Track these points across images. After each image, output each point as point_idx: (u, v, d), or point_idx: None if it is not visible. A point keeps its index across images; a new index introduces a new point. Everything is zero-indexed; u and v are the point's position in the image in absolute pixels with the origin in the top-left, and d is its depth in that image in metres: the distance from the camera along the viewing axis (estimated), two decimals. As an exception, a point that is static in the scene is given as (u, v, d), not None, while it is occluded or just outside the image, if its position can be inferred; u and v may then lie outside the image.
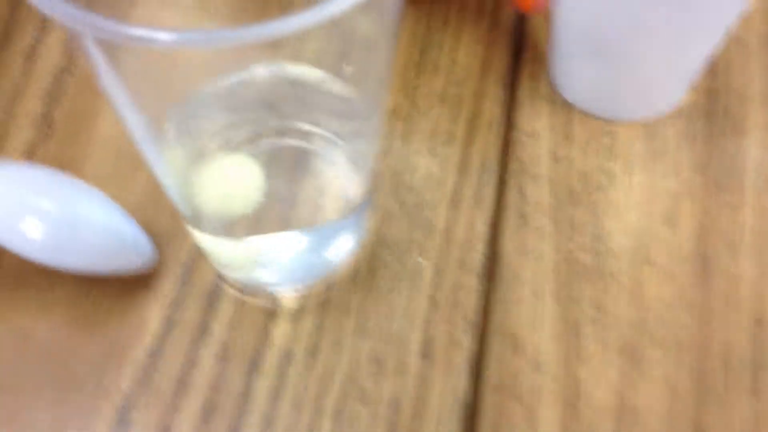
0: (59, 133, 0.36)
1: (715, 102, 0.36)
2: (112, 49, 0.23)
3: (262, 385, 0.30)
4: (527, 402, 0.30)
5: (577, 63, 0.35)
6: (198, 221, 0.30)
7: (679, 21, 0.31)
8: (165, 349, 0.31)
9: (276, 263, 0.32)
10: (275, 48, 0.29)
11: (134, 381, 0.30)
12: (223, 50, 0.27)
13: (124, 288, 0.32)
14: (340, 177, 0.33)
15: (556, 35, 0.35)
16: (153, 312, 0.32)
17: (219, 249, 0.31)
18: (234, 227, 0.31)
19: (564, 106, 0.36)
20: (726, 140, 0.35)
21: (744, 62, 0.37)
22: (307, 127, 0.33)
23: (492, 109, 0.37)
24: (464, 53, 0.38)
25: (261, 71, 0.32)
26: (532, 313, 0.32)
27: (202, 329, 0.31)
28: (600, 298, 0.32)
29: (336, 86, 0.32)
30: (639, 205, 0.34)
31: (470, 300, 0.32)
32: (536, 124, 0.36)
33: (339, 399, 0.30)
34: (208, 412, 0.30)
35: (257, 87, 0.32)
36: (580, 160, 0.35)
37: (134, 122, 0.27)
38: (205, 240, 0.30)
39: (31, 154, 0.35)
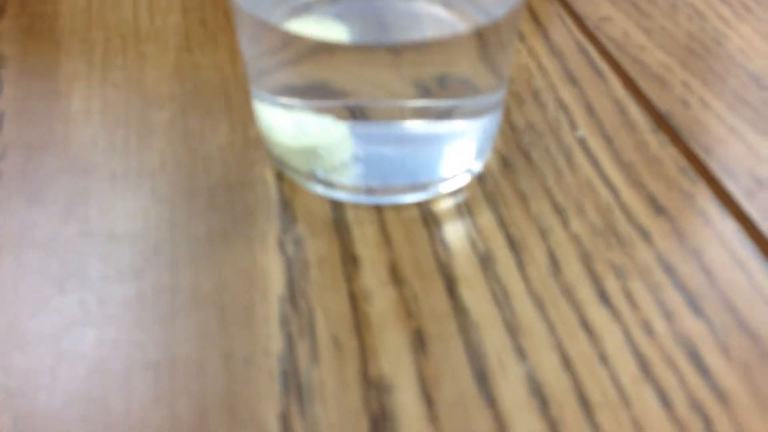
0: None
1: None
2: None
3: (476, 296, 0.19)
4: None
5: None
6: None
7: None
8: (309, 296, 0.19)
9: (386, 149, 0.22)
10: None
11: (284, 341, 0.18)
12: None
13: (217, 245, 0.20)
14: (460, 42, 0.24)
15: None
16: (268, 259, 0.20)
17: (325, 135, 0.21)
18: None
19: None
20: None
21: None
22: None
23: (544, 7, 0.30)
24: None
25: None
26: (745, 149, 0.24)
27: (346, 259, 0.20)
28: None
29: None
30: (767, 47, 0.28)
31: (665, 154, 0.24)
32: (602, 10, 0.30)
33: (593, 283, 0.20)
34: (418, 344, 0.18)
35: None
36: (674, 27, 0.29)
37: None
38: (306, 129, 0.20)
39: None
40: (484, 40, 0.20)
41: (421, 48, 0.20)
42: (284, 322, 0.19)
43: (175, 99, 0.25)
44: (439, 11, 0.24)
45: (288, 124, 0.21)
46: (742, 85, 0.26)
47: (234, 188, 0.22)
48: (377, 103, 0.20)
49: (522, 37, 0.29)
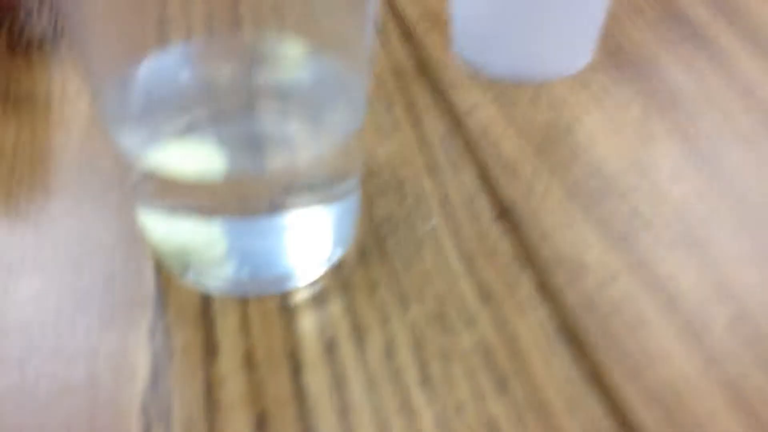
0: None
1: (623, 50, 0.37)
2: None
3: (316, 381, 0.23)
4: (627, 309, 0.25)
5: (487, 26, 0.34)
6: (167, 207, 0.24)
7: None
8: (169, 382, 0.22)
9: (255, 246, 0.25)
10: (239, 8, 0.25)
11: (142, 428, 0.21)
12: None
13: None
14: (321, 154, 0.27)
15: (458, 6, 0.35)
16: (138, 348, 0.23)
17: (196, 236, 0.24)
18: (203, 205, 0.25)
19: (489, 82, 0.35)
20: (652, 72, 0.35)
21: (629, 16, 0.38)
22: (275, 104, 0.28)
23: (422, 98, 0.34)
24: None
25: (221, 41, 0.27)
26: (577, 238, 0.27)
27: (207, 348, 0.23)
28: (635, 207, 0.29)
29: (309, 51, 0.27)
30: (614, 134, 0.32)
31: (502, 244, 0.27)
32: (473, 99, 0.34)
33: (419, 367, 0.23)
34: (261, 426, 0.21)
35: (215, 58, 0.27)
36: (534, 115, 0.33)
37: (97, 85, 0.22)
38: (178, 230, 0.24)
39: None
40: (339, 148, 0.24)
41: (286, 165, 0.23)
42: (145, 407, 0.22)
43: (72, 191, 0.28)
44: (307, 129, 0.27)
45: (160, 225, 0.24)
46: (583, 174, 0.30)
47: (118, 279, 0.25)
48: (243, 206, 0.24)
49: (397, 126, 0.32)
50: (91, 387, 0.22)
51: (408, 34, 0.38)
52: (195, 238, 0.24)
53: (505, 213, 0.28)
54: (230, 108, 0.27)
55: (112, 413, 0.22)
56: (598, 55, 0.36)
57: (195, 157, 0.25)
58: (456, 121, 0.32)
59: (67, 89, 0.34)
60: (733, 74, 0.35)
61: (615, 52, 0.37)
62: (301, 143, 0.26)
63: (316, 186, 0.24)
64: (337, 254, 0.26)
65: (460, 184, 0.29)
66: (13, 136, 0.31)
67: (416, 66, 0.36)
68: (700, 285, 0.26)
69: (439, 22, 0.38)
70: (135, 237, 0.27)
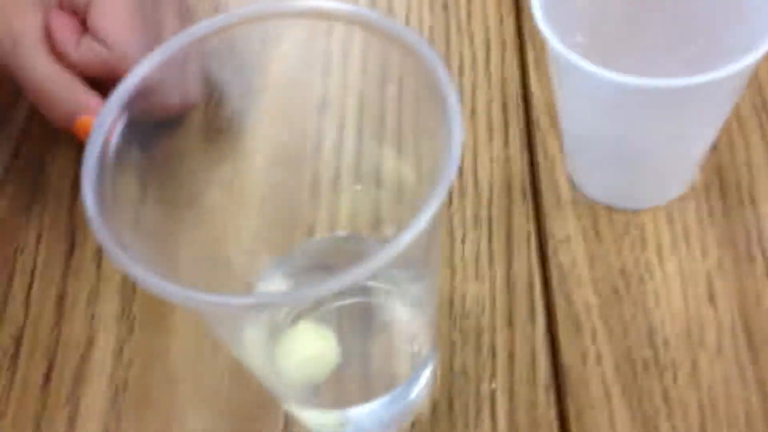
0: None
1: (724, 177, 0.39)
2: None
3: None
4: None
5: (589, 164, 0.38)
6: (285, 394, 0.33)
7: (678, 117, 0.33)
8: None
9: (365, 417, 0.34)
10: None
11: None
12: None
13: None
14: (408, 323, 0.35)
15: (566, 142, 0.38)
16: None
17: (307, 415, 0.34)
18: (319, 392, 0.34)
19: (587, 205, 0.39)
20: (743, 211, 0.38)
21: (743, 134, 0.40)
22: (369, 282, 0.35)
23: (522, 223, 0.39)
24: (484, 174, 0.41)
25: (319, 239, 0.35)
26: (607, 418, 0.34)
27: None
28: (666, 389, 0.34)
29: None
30: (679, 291, 0.37)
31: (546, 416, 0.34)
32: (567, 228, 0.39)
33: None
34: None
35: (317, 252, 0.35)
36: (615, 256, 0.38)
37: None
38: (293, 409, 0.33)
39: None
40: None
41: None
42: None
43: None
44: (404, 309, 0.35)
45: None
46: (637, 340, 0.36)
47: None
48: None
49: (492, 262, 0.39)
50: None
51: (529, 133, 0.42)
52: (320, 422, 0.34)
53: (557, 379, 0.35)
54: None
55: None
56: (698, 180, 0.39)
57: (311, 344, 0.34)
58: (543, 259, 0.38)
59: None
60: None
61: (713, 177, 0.39)
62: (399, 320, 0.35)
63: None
64: (413, 408, 0.35)
65: (528, 340, 0.36)
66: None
67: (527, 179, 0.41)
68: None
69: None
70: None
